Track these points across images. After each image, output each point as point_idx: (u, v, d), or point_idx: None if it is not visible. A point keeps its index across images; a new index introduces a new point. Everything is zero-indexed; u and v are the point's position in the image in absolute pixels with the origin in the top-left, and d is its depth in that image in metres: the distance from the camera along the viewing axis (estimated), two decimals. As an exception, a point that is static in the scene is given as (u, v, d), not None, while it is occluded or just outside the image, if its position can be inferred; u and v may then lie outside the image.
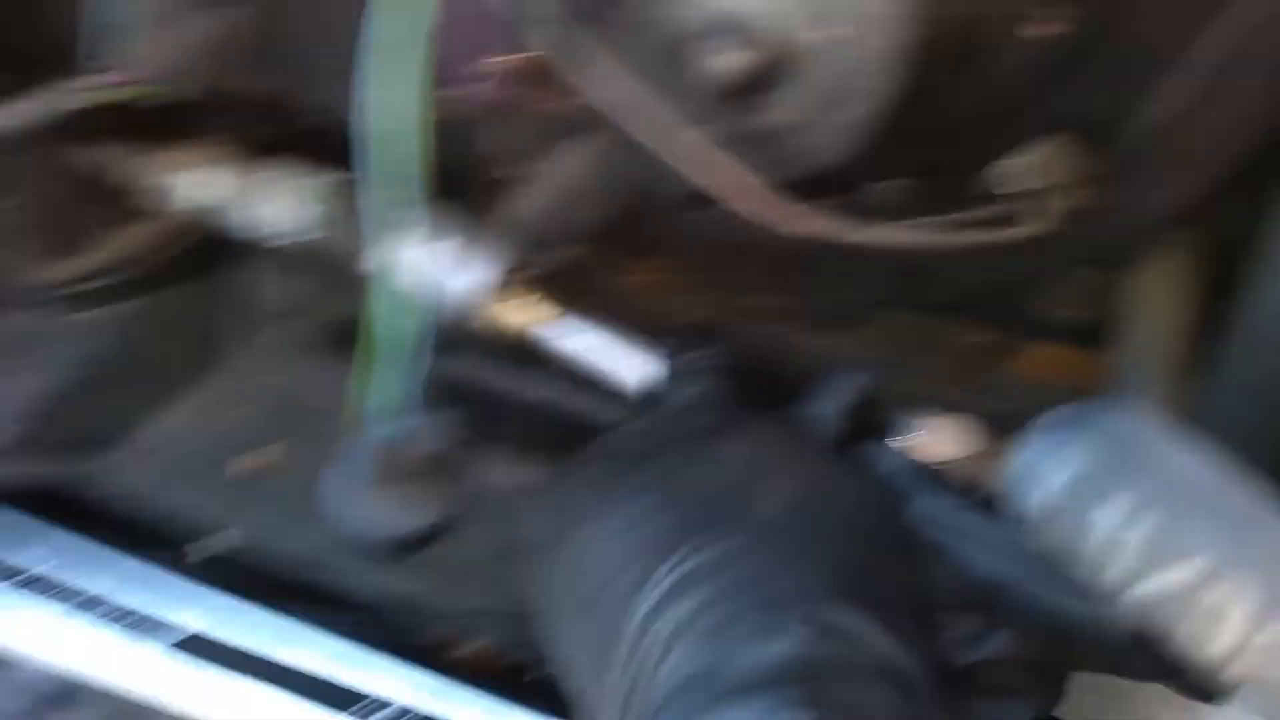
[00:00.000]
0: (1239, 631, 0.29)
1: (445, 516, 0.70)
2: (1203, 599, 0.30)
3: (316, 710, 0.62)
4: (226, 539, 0.83)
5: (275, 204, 0.85)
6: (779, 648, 0.39)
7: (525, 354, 0.87)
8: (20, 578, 0.69)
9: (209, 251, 0.99)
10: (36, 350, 0.90)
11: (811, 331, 0.88)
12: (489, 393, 0.88)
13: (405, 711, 0.64)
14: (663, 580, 0.44)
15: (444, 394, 0.88)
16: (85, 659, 0.64)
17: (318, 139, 0.94)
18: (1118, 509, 0.32)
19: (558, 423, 0.87)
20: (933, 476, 0.51)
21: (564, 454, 0.90)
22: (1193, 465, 0.33)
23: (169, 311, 0.97)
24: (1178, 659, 0.32)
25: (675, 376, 0.61)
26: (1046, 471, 0.36)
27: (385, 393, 0.61)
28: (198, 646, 0.65)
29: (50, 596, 0.67)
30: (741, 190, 0.47)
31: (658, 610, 0.43)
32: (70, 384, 0.91)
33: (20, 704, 0.66)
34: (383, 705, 0.64)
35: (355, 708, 0.64)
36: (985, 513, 0.48)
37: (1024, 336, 0.86)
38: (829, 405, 0.56)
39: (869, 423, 0.57)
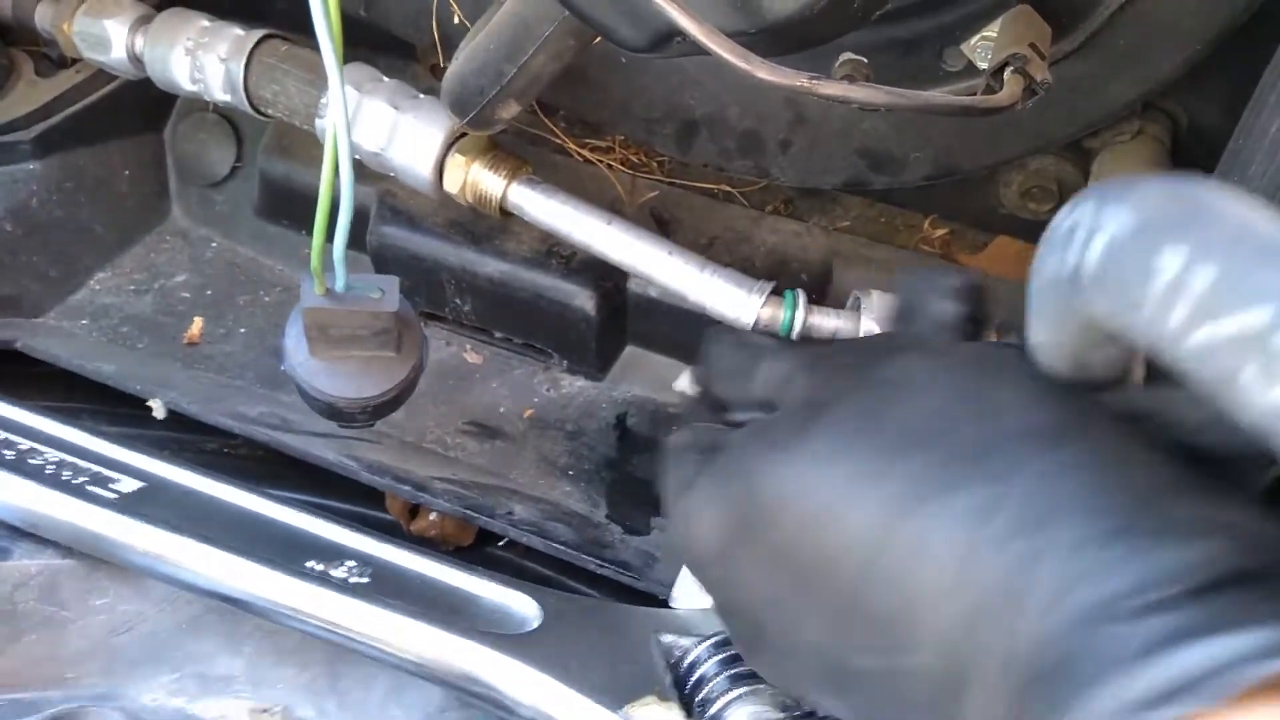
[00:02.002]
0: None
1: (395, 386, 0.69)
2: (1273, 342, 0.28)
3: (276, 558, 0.62)
4: (172, 403, 0.82)
5: (212, 59, 0.83)
6: (1209, 552, 0.33)
7: (481, 228, 0.87)
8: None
9: (134, 109, 0.97)
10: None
11: (777, 215, 0.88)
12: (442, 266, 0.87)
13: (368, 561, 0.64)
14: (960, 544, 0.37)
15: (396, 265, 0.88)
16: (31, 511, 0.63)
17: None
18: (1188, 249, 0.30)
19: (511, 298, 0.86)
20: None
21: (515, 330, 0.90)
22: (1262, 216, 0.31)
23: (91, 170, 0.95)
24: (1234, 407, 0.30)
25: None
26: (1110, 216, 0.33)
27: (328, 256, 0.59)
28: (147, 499, 0.64)
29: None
30: (708, 31, 0.46)
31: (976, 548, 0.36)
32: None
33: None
34: (344, 555, 0.64)
35: (315, 558, 0.63)
36: None
37: (988, 231, 0.86)
38: (942, 312, 0.48)
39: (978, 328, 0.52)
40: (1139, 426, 0.40)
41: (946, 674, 0.37)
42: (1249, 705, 0.29)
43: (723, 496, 0.46)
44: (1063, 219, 0.35)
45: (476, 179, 0.78)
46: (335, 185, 0.57)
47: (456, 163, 0.78)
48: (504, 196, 0.78)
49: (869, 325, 0.74)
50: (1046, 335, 0.41)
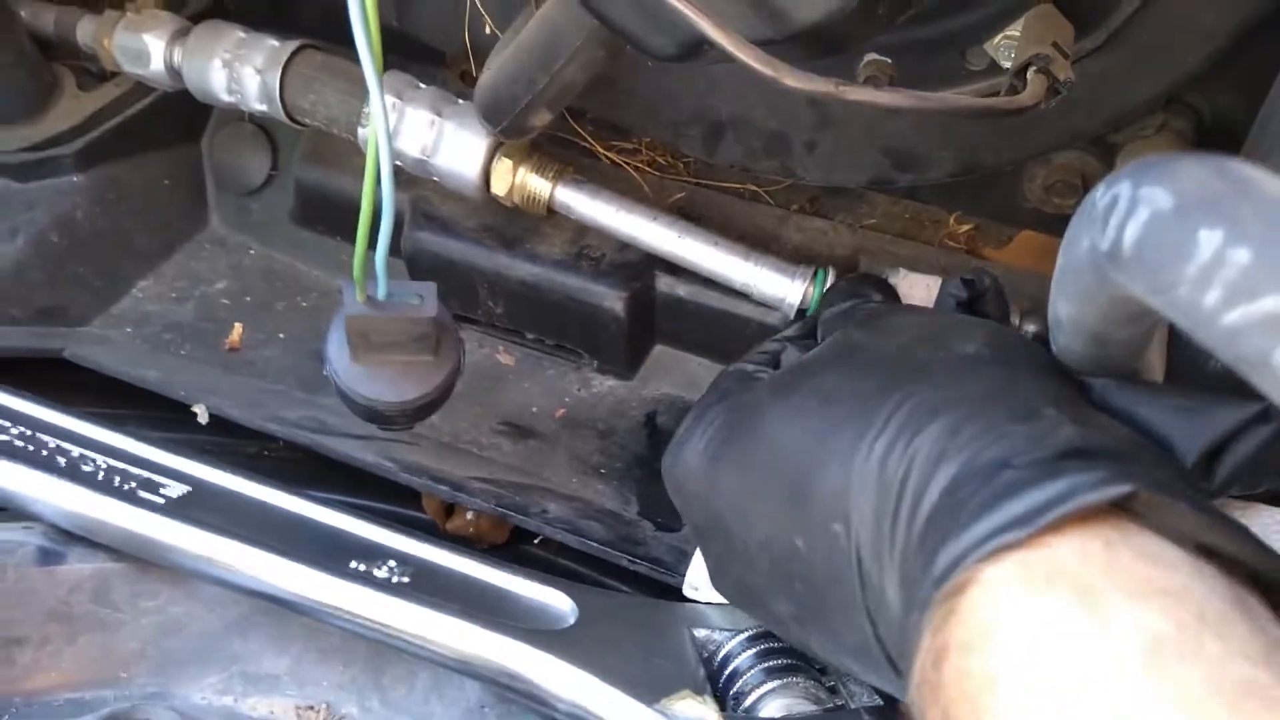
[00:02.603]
0: None
1: (434, 390, 0.71)
2: None
3: (320, 558, 0.63)
4: (215, 408, 0.84)
5: (248, 70, 0.84)
6: (1063, 435, 0.40)
7: (513, 232, 0.88)
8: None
9: (172, 120, 0.98)
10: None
11: (802, 213, 0.89)
12: (475, 269, 0.88)
13: (409, 560, 0.65)
14: (889, 422, 0.44)
15: (430, 270, 0.89)
16: (84, 516, 0.65)
17: (289, 4, 0.93)
18: (1225, 229, 0.31)
19: (542, 300, 0.87)
20: None
21: (546, 331, 0.92)
22: None
23: (132, 181, 0.97)
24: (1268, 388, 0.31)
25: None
26: (1148, 194, 0.33)
27: (369, 263, 0.61)
28: (193, 502, 0.66)
29: (36, 463, 0.67)
30: (735, 40, 0.47)
31: (899, 439, 0.43)
32: (35, 253, 0.90)
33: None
34: (385, 555, 0.66)
35: (358, 558, 0.65)
36: None
37: (1012, 225, 0.87)
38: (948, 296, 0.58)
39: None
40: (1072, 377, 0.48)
41: (867, 537, 0.44)
42: (1067, 535, 0.36)
43: (722, 420, 0.55)
44: (1100, 195, 0.36)
45: (524, 181, 0.81)
46: (376, 194, 0.58)
47: (504, 166, 0.81)
48: (551, 196, 0.82)
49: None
50: (1072, 310, 0.43)
